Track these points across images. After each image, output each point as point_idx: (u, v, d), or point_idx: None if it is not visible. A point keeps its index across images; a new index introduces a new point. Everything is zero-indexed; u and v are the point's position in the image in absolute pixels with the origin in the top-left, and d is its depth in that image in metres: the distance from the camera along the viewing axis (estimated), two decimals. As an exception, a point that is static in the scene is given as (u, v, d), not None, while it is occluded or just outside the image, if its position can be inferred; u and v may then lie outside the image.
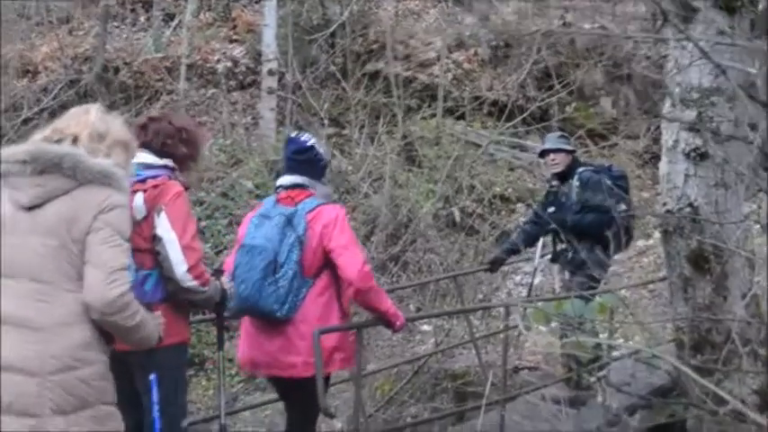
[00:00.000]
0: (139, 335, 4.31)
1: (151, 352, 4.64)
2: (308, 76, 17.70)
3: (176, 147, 5.37)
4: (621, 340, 4.98)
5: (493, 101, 18.05)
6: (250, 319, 5.98)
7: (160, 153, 5.31)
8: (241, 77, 19.81)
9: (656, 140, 13.45)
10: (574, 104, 17.84)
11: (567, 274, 8.82)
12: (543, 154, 9.37)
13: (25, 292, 4.12)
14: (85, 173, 4.20)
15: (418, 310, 12.79)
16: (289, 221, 5.81)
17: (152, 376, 4.94)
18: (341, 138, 17.57)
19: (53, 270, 4.13)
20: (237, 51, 20.34)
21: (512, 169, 17.08)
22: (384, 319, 6.15)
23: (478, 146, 16.73)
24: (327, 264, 5.85)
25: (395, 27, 19.15)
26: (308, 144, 6.17)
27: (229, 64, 19.91)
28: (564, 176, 8.99)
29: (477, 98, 18.01)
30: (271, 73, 17.39)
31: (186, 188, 5.31)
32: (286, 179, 6.10)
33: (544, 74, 18.31)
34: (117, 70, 18.97)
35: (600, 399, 5.83)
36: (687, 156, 5.18)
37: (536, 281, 10.50)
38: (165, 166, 5.28)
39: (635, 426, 6.48)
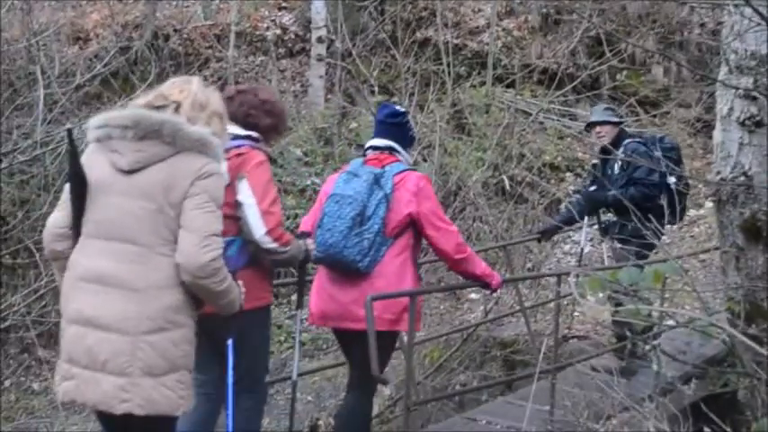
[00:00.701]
0: (226, 299, 4.44)
1: (236, 315, 4.72)
2: (357, 44, 17.64)
3: (260, 118, 5.59)
4: (676, 309, 4.95)
5: (543, 69, 17.94)
6: (325, 272, 6.13)
7: (245, 124, 5.53)
8: (290, 45, 19.81)
9: (709, 109, 13.35)
10: (625, 72, 17.69)
11: (616, 243, 8.66)
12: (589, 126, 9.34)
13: (125, 254, 4.27)
14: (184, 140, 4.34)
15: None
16: (377, 180, 5.97)
17: (229, 341, 5.04)
18: (390, 105, 17.56)
19: (149, 233, 4.27)
20: (287, 18, 20.33)
21: (561, 138, 16.99)
22: (480, 281, 6.40)
23: (528, 114, 16.65)
24: (408, 227, 6.01)
25: (445, -6, 19.08)
26: (401, 111, 6.41)
27: (278, 31, 19.91)
28: (611, 149, 8.84)
29: (526, 66, 17.89)
30: (320, 40, 17.37)
31: (270, 158, 5.52)
32: (376, 141, 6.27)
33: (595, 41, 18.18)
34: (167, 37, 19.03)
35: (654, 367, 5.79)
36: (742, 124, 5.12)
37: (585, 250, 10.43)
38: (248, 137, 5.49)
39: (689, 395, 6.47)
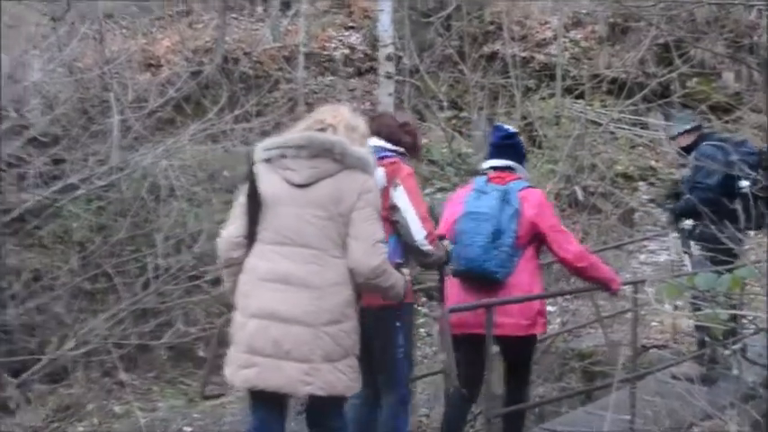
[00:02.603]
0: (394, 291, 5.12)
1: (382, 315, 5.58)
2: (424, 60, 17.68)
3: (400, 136, 6.07)
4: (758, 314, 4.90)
5: (612, 78, 17.84)
6: (461, 282, 6.60)
7: (389, 140, 6.01)
8: (358, 64, 19.93)
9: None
10: (695, 79, 17.55)
11: (694, 248, 8.68)
12: (671, 139, 9.68)
13: (302, 257, 4.91)
14: (350, 159, 4.98)
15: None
16: (505, 197, 6.50)
17: (398, 323, 5.70)
18: (460, 120, 17.58)
19: (322, 238, 4.92)
20: (354, 38, 20.47)
21: (633, 147, 16.89)
22: (602, 285, 6.88)
23: (599, 124, 16.58)
24: (533, 239, 6.57)
25: (511, 7, 19.06)
26: (513, 131, 7.03)
27: (346, 51, 20.05)
28: (690, 151, 9.01)
29: (595, 76, 17.82)
30: (388, 58, 17.41)
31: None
32: (495, 162, 6.82)
33: (663, 49, 18.06)
34: (237, 61, 19.22)
35: (735, 372, 5.77)
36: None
37: (666, 257, 10.37)
38: (396, 151, 5.98)
39: (772, 400, 6.39)
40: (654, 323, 11.13)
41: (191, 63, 18.47)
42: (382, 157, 5.73)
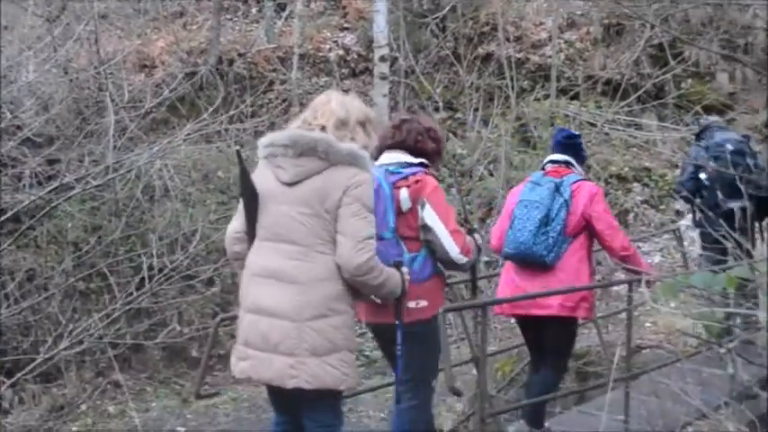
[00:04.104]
0: (385, 290, 5.14)
1: (417, 323, 5.70)
2: (420, 61, 17.70)
3: (427, 143, 6.16)
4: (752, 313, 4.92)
5: (606, 80, 17.89)
6: (512, 267, 7.17)
7: (414, 150, 6.11)
8: (353, 65, 19.92)
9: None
10: (690, 80, 17.57)
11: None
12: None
13: (288, 253, 4.99)
14: (336, 155, 5.01)
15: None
16: (557, 188, 7.01)
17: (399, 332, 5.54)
18: (454, 121, 17.59)
19: (308, 234, 4.98)
20: (349, 39, 20.45)
21: (628, 148, 16.91)
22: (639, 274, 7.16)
23: (593, 125, 16.60)
24: (584, 228, 7.02)
25: (505, 9, 19.07)
26: (576, 133, 7.70)
27: (341, 52, 20.04)
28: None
29: (590, 77, 17.87)
30: (383, 59, 17.42)
31: (437, 179, 6.11)
32: (555, 156, 7.34)
33: (658, 50, 18.09)
34: (231, 62, 19.22)
35: (729, 371, 5.81)
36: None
37: (659, 258, 10.47)
38: (420, 164, 6.04)
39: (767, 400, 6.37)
40: (648, 323, 11.13)
41: (185, 64, 18.48)
42: (406, 176, 5.91)
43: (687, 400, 5.32)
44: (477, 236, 6.23)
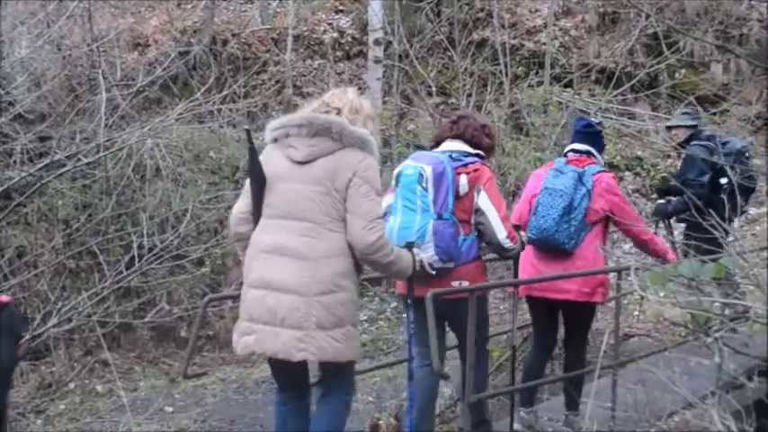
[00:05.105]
0: (395, 268, 5.39)
1: (458, 301, 6.11)
2: (414, 46, 17.65)
3: (482, 138, 6.55)
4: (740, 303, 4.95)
5: (600, 68, 17.91)
6: (532, 251, 7.25)
7: (471, 143, 6.50)
8: (347, 48, 19.91)
9: (770, 106, 13.26)
10: (683, 70, 17.57)
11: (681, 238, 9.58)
12: (668, 129, 10.92)
13: (298, 230, 5.18)
14: (348, 137, 5.23)
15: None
16: (580, 178, 7.20)
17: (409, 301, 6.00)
18: (448, 106, 17.55)
19: (319, 212, 5.17)
20: (344, 21, 20.44)
21: (620, 136, 16.92)
22: (661, 258, 7.45)
23: (586, 113, 16.58)
24: (602, 217, 7.20)
25: (501, -6, 19.05)
26: (595, 122, 7.76)
27: (335, 34, 20.02)
28: (679, 149, 10.41)
29: (584, 65, 17.88)
30: (377, 42, 17.39)
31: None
32: (577, 146, 7.49)
33: (653, 39, 18.09)
34: (225, 42, 19.21)
35: (716, 360, 5.86)
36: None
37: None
38: (477, 155, 6.45)
39: (753, 389, 6.38)
40: (636, 312, 11.17)
41: (179, 43, 18.44)
42: (466, 164, 6.31)
43: (674, 388, 5.34)
44: (523, 234, 6.77)
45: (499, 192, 6.57)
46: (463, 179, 6.24)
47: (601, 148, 7.68)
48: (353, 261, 5.23)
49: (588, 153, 7.46)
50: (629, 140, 17.00)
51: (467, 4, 19.13)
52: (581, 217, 7.12)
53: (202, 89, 13.54)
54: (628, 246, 14.14)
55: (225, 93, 14.63)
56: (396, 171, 6.47)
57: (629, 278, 7.22)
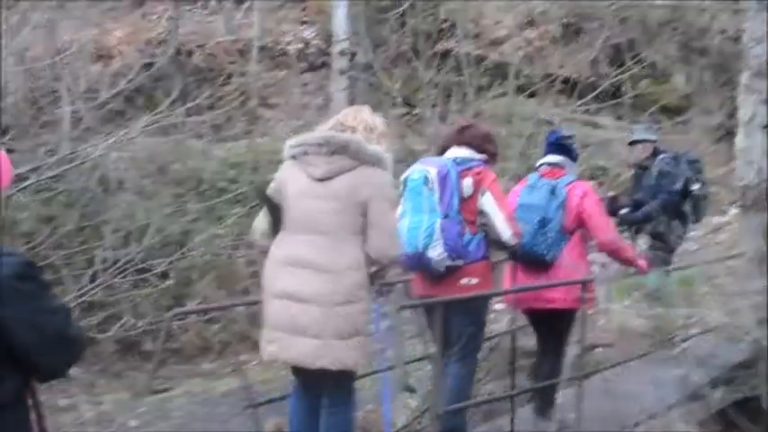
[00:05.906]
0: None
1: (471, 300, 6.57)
2: (378, 56, 17.66)
3: (485, 145, 6.91)
4: (703, 314, 4.97)
5: (564, 78, 17.92)
6: (519, 264, 7.53)
7: (477, 150, 6.83)
8: (312, 59, 19.90)
9: (731, 115, 13.36)
10: (646, 80, 17.67)
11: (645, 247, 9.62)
12: (631, 144, 11.14)
13: (318, 243, 5.47)
14: (365, 156, 5.52)
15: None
16: (553, 190, 7.46)
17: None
18: (412, 117, 17.56)
19: (338, 226, 5.47)
20: (308, 33, 20.43)
21: (584, 146, 16.96)
22: (631, 265, 8.01)
23: (551, 124, 16.62)
24: (579, 226, 7.45)
25: (465, 5, 19.06)
26: (568, 134, 8.07)
27: (300, 45, 20.03)
28: (646, 163, 10.66)
29: (548, 76, 17.89)
30: (342, 53, 17.40)
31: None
32: (550, 158, 7.76)
33: (616, 50, 18.18)
34: (190, 53, 19.16)
35: (681, 372, 5.89)
36: (765, 129, 5.13)
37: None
38: (482, 159, 6.80)
39: (717, 400, 6.43)
40: (600, 322, 11.20)
41: (143, 55, 18.33)
42: (470, 167, 6.67)
43: (639, 399, 5.36)
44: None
45: (503, 193, 6.92)
46: (467, 181, 6.60)
47: (574, 158, 7.95)
48: (367, 273, 5.50)
49: (561, 165, 7.72)
50: (594, 150, 17.06)
51: (431, 14, 19.13)
52: (557, 227, 7.39)
53: (167, 101, 13.48)
54: (591, 256, 14.23)
55: (190, 104, 14.58)
56: (403, 176, 6.79)
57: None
